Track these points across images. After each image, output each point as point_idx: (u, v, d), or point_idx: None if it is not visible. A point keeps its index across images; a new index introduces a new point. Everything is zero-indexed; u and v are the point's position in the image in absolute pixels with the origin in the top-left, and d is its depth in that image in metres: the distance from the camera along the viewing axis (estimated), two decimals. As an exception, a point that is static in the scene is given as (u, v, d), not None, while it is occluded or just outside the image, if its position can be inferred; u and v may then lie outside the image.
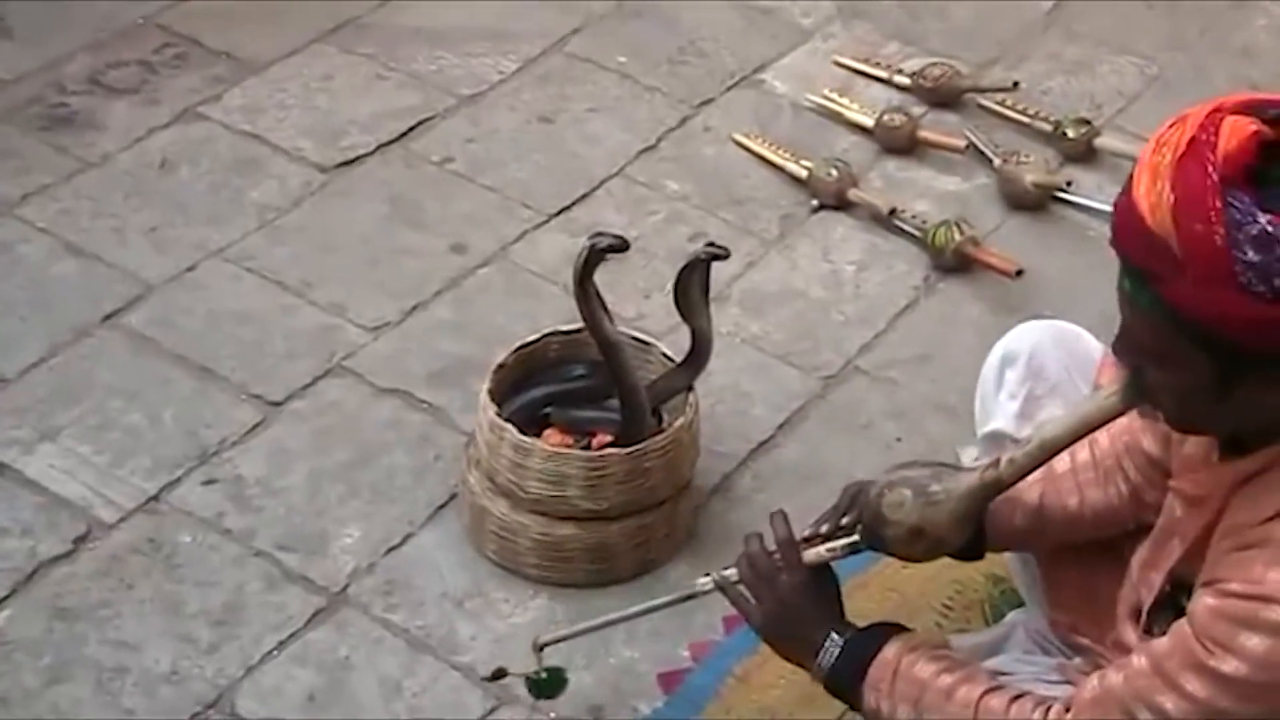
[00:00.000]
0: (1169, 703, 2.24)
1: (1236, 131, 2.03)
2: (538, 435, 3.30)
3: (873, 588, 3.29)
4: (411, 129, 4.33)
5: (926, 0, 4.94)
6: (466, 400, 3.41)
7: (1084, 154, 4.40)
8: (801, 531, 2.68)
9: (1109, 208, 3.97)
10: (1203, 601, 2.23)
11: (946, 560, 2.96)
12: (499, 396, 3.30)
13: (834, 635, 2.53)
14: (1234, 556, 2.25)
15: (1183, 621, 2.27)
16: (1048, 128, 4.43)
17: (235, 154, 4.20)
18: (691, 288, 3.28)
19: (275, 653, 3.13)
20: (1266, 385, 2.12)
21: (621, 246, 3.17)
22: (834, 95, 4.52)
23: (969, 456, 3.22)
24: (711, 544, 3.40)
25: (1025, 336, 3.06)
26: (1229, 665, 2.18)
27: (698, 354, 3.32)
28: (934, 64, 4.61)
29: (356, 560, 3.30)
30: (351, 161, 4.22)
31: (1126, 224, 2.11)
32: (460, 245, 3.98)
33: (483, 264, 3.95)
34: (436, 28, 4.66)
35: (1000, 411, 3.01)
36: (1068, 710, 2.37)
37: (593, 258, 3.17)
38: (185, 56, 4.47)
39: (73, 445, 3.47)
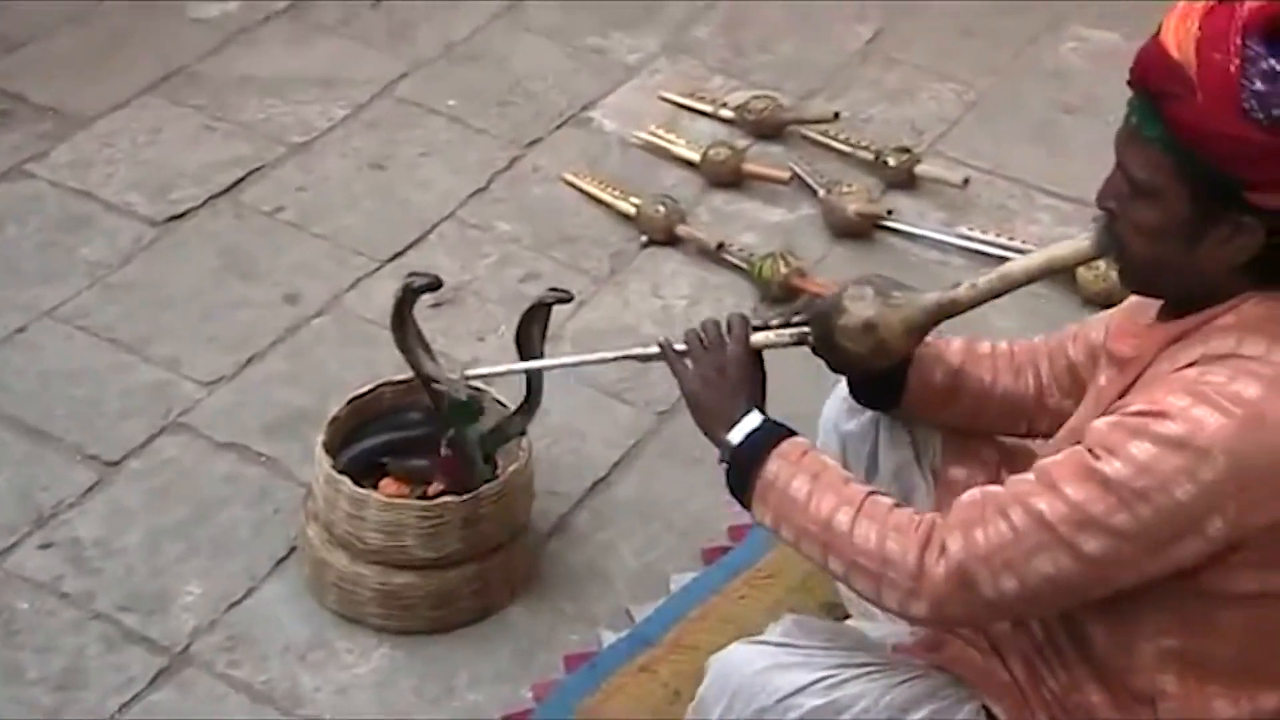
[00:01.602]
0: (1043, 502, 2.32)
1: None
2: (375, 485, 3.30)
3: (710, 619, 3.33)
4: (241, 179, 4.32)
5: (749, 34, 4.96)
6: (304, 451, 3.41)
7: (905, 181, 4.45)
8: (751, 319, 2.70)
9: (930, 234, 4.07)
10: (1100, 422, 2.36)
11: (787, 589, 3.04)
12: (334, 448, 3.30)
13: (753, 411, 2.57)
14: (1140, 393, 2.38)
15: (1092, 429, 2.37)
16: (869, 156, 4.48)
17: (64, 211, 4.17)
18: (532, 330, 3.28)
19: (118, 716, 3.11)
20: (1231, 233, 2.31)
21: (435, 285, 3.21)
22: (660, 131, 4.54)
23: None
24: (551, 584, 3.42)
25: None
26: (1111, 467, 2.29)
27: (531, 399, 3.32)
28: (757, 97, 4.63)
29: (198, 618, 3.28)
30: (182, 215, 4.20)
31: (1149, 57, 2.30)
32: (293, 295, 3.98)
33: (317, 314, 3.94)
34: (265, 76, 4.66)
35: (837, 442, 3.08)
36: (934, 525, 2.43)
37: (406, 297, 3.19)
38: (10, 113, 4.44)
39: (-97, 512, 3.44)
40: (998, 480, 2.65)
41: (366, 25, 4.87)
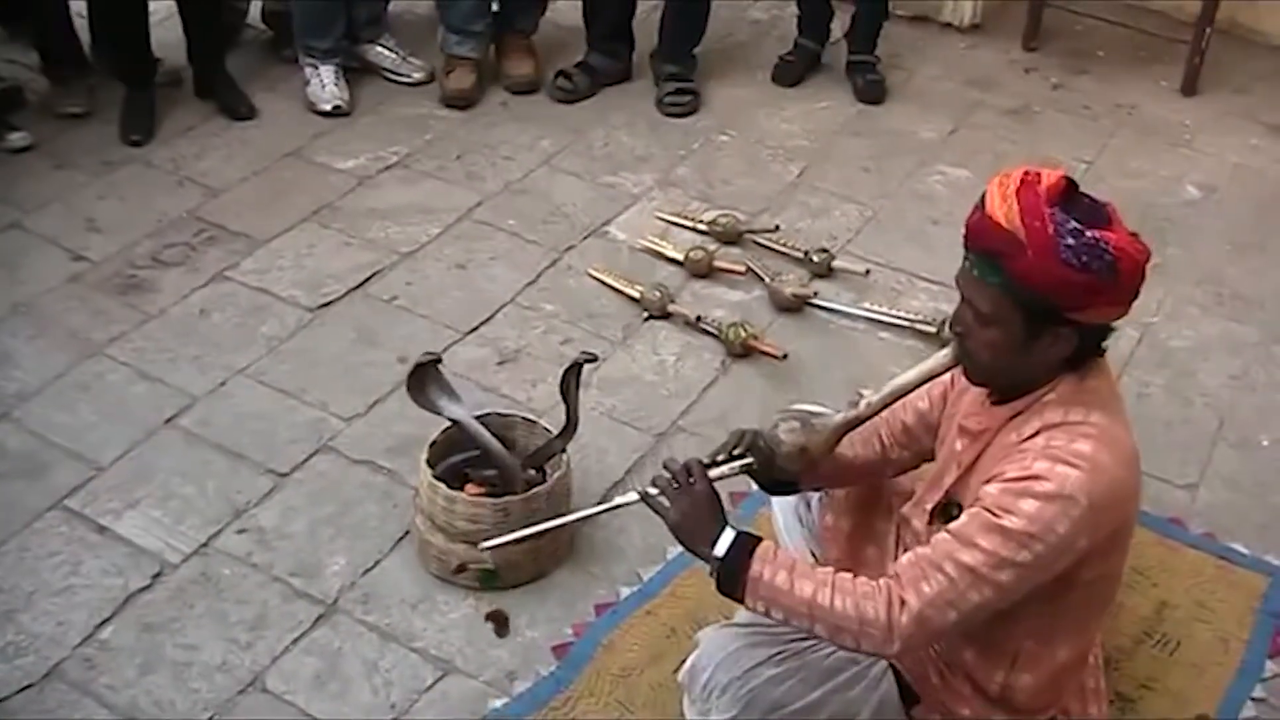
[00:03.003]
0: (966, 555, 2.36)
1: (1050, 177, 2.36)
2: (462, 488, 3.34)
3: (696, 577, 3.31)
4: (369, 278, 4.34)
5: (716, 173, 4.99)
6: (413, 465, 3.44)
7: (825, 272, 4.45)
8: (702, 460, 2.65)
9: (844, 309, 4.12)
10: (988, 488, 2.41)
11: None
12: (434, 462, 3.36)
13: (727, 529, 2.51)
14: (1006, 462, 2.43)
15: (968, 509, 2.43)
16: (800, 255, 4.48)
17: (250, 302, 4.21)
18: (570, 380, 3.34)
19: (291, 647, 3.18)
20: (1053, 340, 2.39)
21: (437, 361, 3.33)
22: (656, 239, 4.56)
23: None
24: (584, 555, 3.46)
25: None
26: (1010, 521, 2.35)
27: (570, 426, 3.37)
28: (723, 214, 4.65)
29: (343, 580, 3.34)
30: (329, 303, 4.23)
31: (983, 228, 2.37)
32: (404, 357, 3.97)
33: None
34: (384, 207, 4.68)
35: None
36: (893, 577, 2.44)
37: (417, 371, 3.32)
38: (215, 238, 4.48)
39: (148, 510, 3.50)
40: (861, 521, 2.89)
41: (452, 171, 4.89)
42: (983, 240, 2.38)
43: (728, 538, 2.51)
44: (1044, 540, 2.35)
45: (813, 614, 2.43)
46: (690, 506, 2.55)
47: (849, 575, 2.47)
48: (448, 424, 3.41)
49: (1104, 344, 2.50)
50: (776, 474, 2.73)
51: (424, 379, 3.32)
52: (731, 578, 2.49)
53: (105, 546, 3.38)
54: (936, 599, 2.39)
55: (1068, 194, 2.37)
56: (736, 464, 2.68)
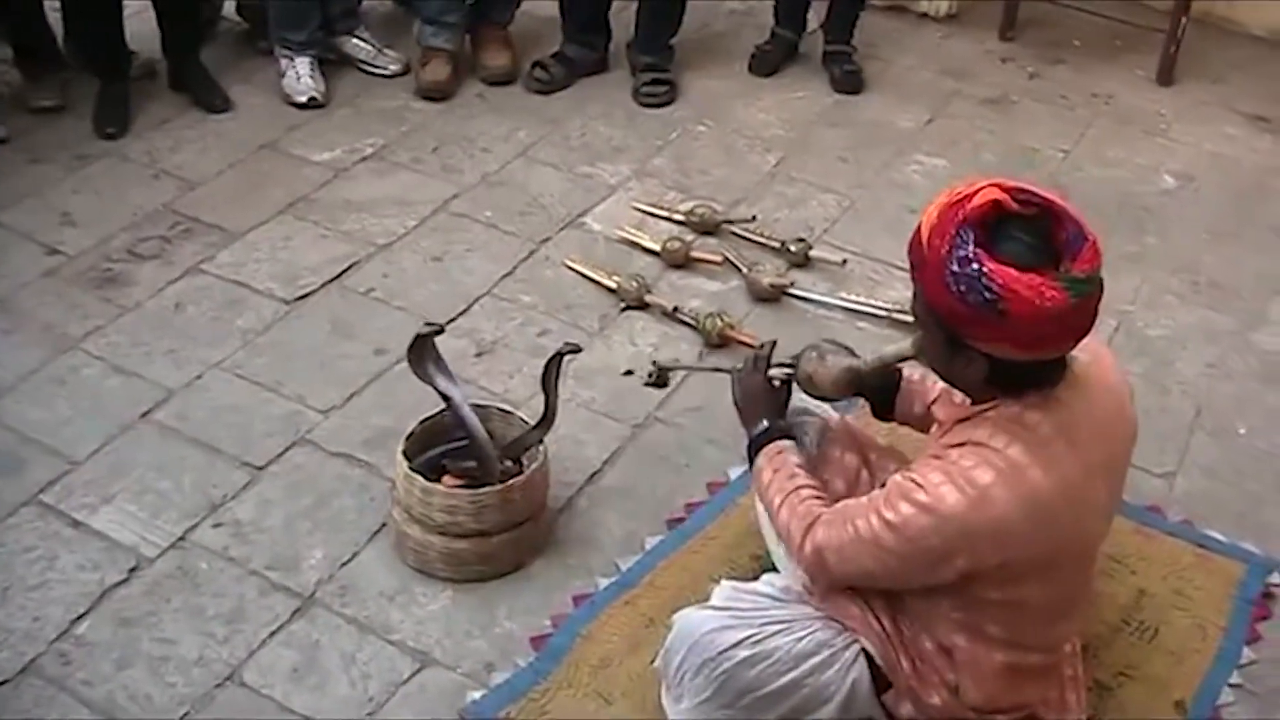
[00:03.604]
0: (861, 521, 2.51)
1: (982, 196, 2.31)
2: (439, 480, 3.33)
3: (673, 568, 3.36)
4: (345, 270, 4.32)
5: (693, 163, 4.98)
6: (390, 457, 3.41)
7: (802, 262, 4.45)
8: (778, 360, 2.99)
9: (821, 298, 4.12)
10: (895, 476, 2.50)
11: (726, 546, 3.32)
12: (410, 454, 3.34)
13: (764, 420, 2.89)
14: (924, 454, 2.50)
15: (887, 482, 2.51)
16: (777, 245, 4.48)
17: (226, 296, 4.19)
18: (551, 371, 3.33)
19: (268, 640, 3.16)
20: (966, 362, 2.40)
21: (438, 331, 3.31)
22: (633, 230, 4.55)
23: (736, 473, 3.33)
24: (562, 546, 3.44)
25: None
26: (889, 514, 2.46)
27: (548, 417, 3.36)
28: (700, 205, 4.64)
29: (320, 573, 3.32)
30: (305, 296, 4.21)
31: (912, 237, 2.40)
32: (382, 349, 3.99)
33: (397, 361, 3.89)
34: (360, 199, 4.67)
35: None
36: (830, 511, 2.63)
37: (418, 341, 3.29)
38: (190, 231, 4.45)
39: (124, 505, 3.48)
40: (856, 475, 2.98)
41: (429, 163, 4.88)
42: (909, 246, 2.42)
43: (761, 427, 2.87)
44: (913, 543, 2.42)
45: (771, 513, 2.73)
46: (744, 391, 2.96)
47: (809, 494, 2.68)
48: (424, 418, 3.40)
49: (1050, 378, 2.46)
50: (810, 394, 2.99)
51: (424, 351, 3.30)
52: (750, 456, 2.86)
53: (81, 541, 3.36)
54: (831, 543, 2.55)
55: (996, 218, 2.32)
56: (783, 371, 2.98)
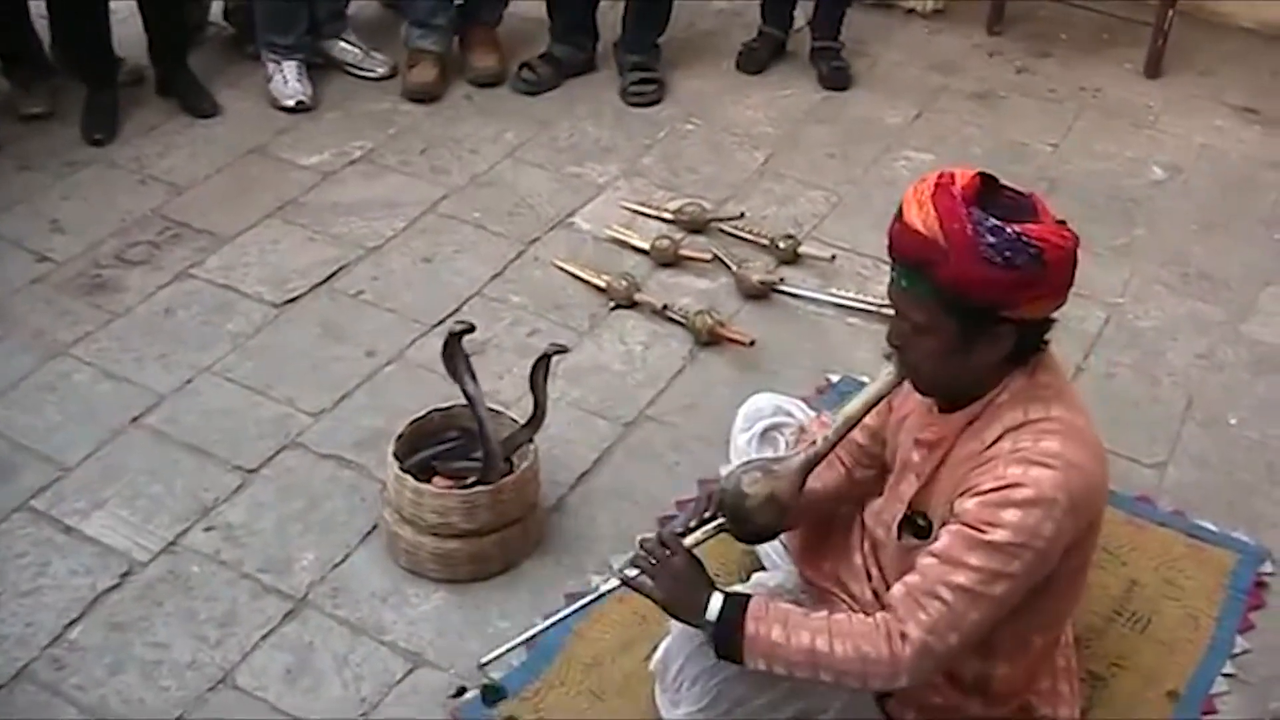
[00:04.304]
0: (959, 577, 2.35)
1: (964, 177, 2.31)
2: (429, 480, 3.33)
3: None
4: (334, 273, 4.32)
5: (681, 161, 4.99)
6: (381, 459, 3.42)
7: (791, 258, 4.45)
8: (675, 529, 2.70)
9: (810, 294, 4.11)
10: (965, 503, 2.38)
11: (716, 542, 3.00)
12: (401, 455, 3.34)
13: (715, 594, 2.52)
14: (975, 472, 2.40)
15: (948, 527, 2.39)
16: (766, 242, 4.48)
17: (216, 299, 4.19)
18: (539, 372, 3.33)
19: (261, 643, 3.16)
20: (991, 340, 2.35)
21: (470, 329, 3.28)
22: (622, 229, 4.55)
23: (725, 471, 3.30)
24: (554, 545, 3.44)
25: (755, 401, 3.18)
26: (997, 534, 2.32)
27: (538, 417, 3.36)
28: (688, 203, 4.64)
29: (312, 575, 3.33)
30: (294, 299, 4.21)
31: (904, 238, 2.34)
32: (372, 351, 4.00)
33: (388, 363, 3.97)
34: (348, 202, 4.67)
35: (739, 453, 3.11)
36: (884, 608, 2.45)
37: (450, 339, 3.27)
38: (179, 236, 4.45)
39: (115, 510, 3.47)
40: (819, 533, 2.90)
41: (417, 165, 4.88)
42: (905, 251, 2.36)
43: (717, 602, 2.50)
44: (1032, 546, 2.35)
45: (815, 662, 2.43)
46: (674, 580, 2.55)
47: (844, 617, 2.48)
48: (414, 418, 3.41)
49: (1046, 337, 2.49)
50: (752, 529, 2.69)
51: (455, 349, 3.29)
52: (728, 640, 2.49)
53: (73, 547, 3.36)
54: (937, 625, 2.38)
55: (985, 191, 2.34)
56: (710, 527, 2.68)
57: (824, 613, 2.49)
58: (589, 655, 3.14)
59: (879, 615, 2.43)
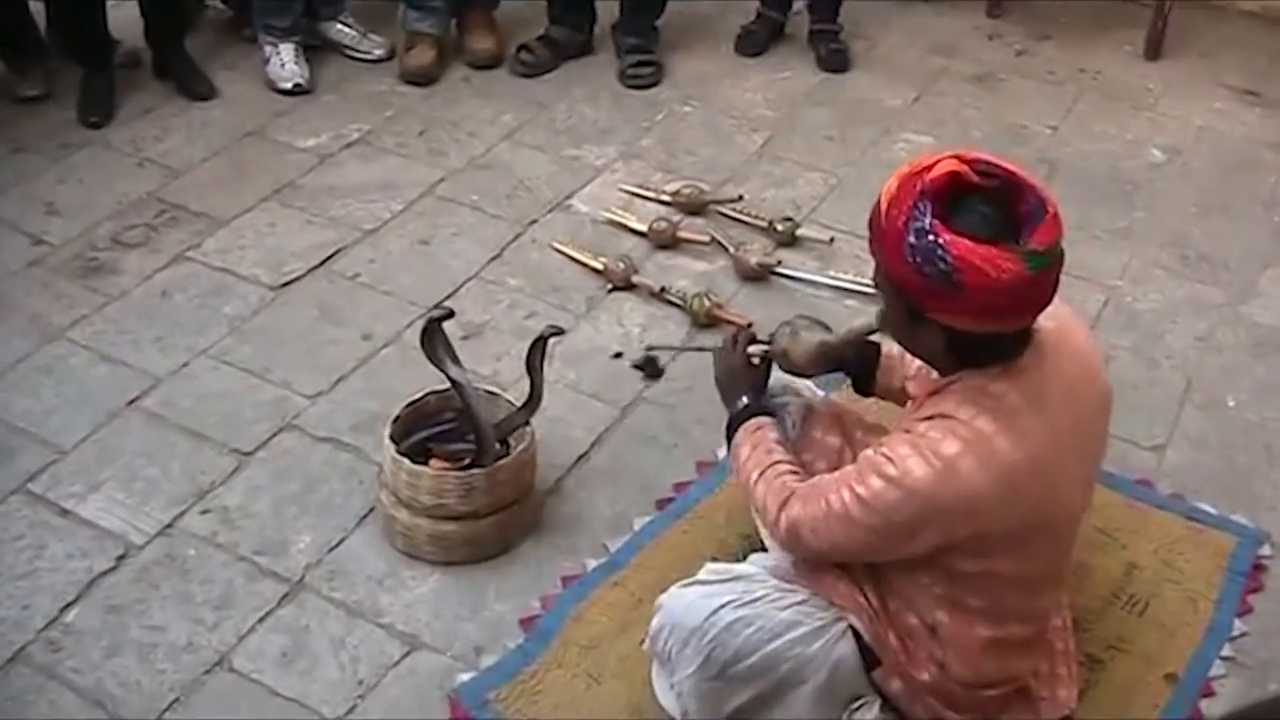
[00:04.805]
0: (834, 495, 2.51)
1: (941, 168, 2.29)
2: (426, 462, 3.33)
3: (661, 548, 3.36)
4: (331, 255, 4.31)
5: (679, 144, 4.98)
6: (377, 441, 3.42)
7: (789, 241, 4.44)
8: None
9: (808, 277, 4.11)
10: (868, 450, 2.50)
11: (715, 525, 3.28)
12: (397, 438, 3.34)
13: (743, 397, 2.92)
14: (896, 428, 2.51)
15: (860, 456, 2.52)
16: (764, 224, 4.47)
17: (212, 282, 4.18)
18: (536, 354, 3.33)
19: (257, 626, 3.16)
20: (926, 333, 2.39)
21: (448, 316, 3.28)
22: (619, 211, 4.54)
23: (724, 453, 3.31)
24: (551, 528, 3.44)
25: None
26: (861, 489, 2.45)
27: (534, 399, 3.36)
28: (686, 186, 4.64)
29: (309, 558, 3.32)
30: (291, 282, 4.20)
31: (874, 205, 2.38)
32: (368, 334, 4.00)
33: (384, 346, 3.96)
34: (345, 185, 4.66)
35: None
36: (806, 485, 2.63)
37: (429, 326, 3.26)
38: (176, 219, 4.44)
39: (111, 493, 3.47)
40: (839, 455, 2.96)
41: (414, 147, 4.87)
42: (869, 218, 2.40)
43: (740, 404, 2.89)
44: (884, 517, 2.42)
45: (746, 487, 2.75)
46: (724, 370, 2.97)
47: (785, 469, 2.70)
48: (410, 400, 3.40)
49: (1010, 349, 2.45)
50: (787, 370, 2.97)
51: (434, 335, 3.28)
52: (728, 434, 2.86)
53: (69, 529, 3.35)
54: (807, 518, 2.55)
55: (952, 191, 2.31)
56: (761, 347, 2.98)
57: (777, 459, 2.74)
58: (586, 638, 3.13)
59: (794, 482, 2.65)
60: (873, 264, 2.45)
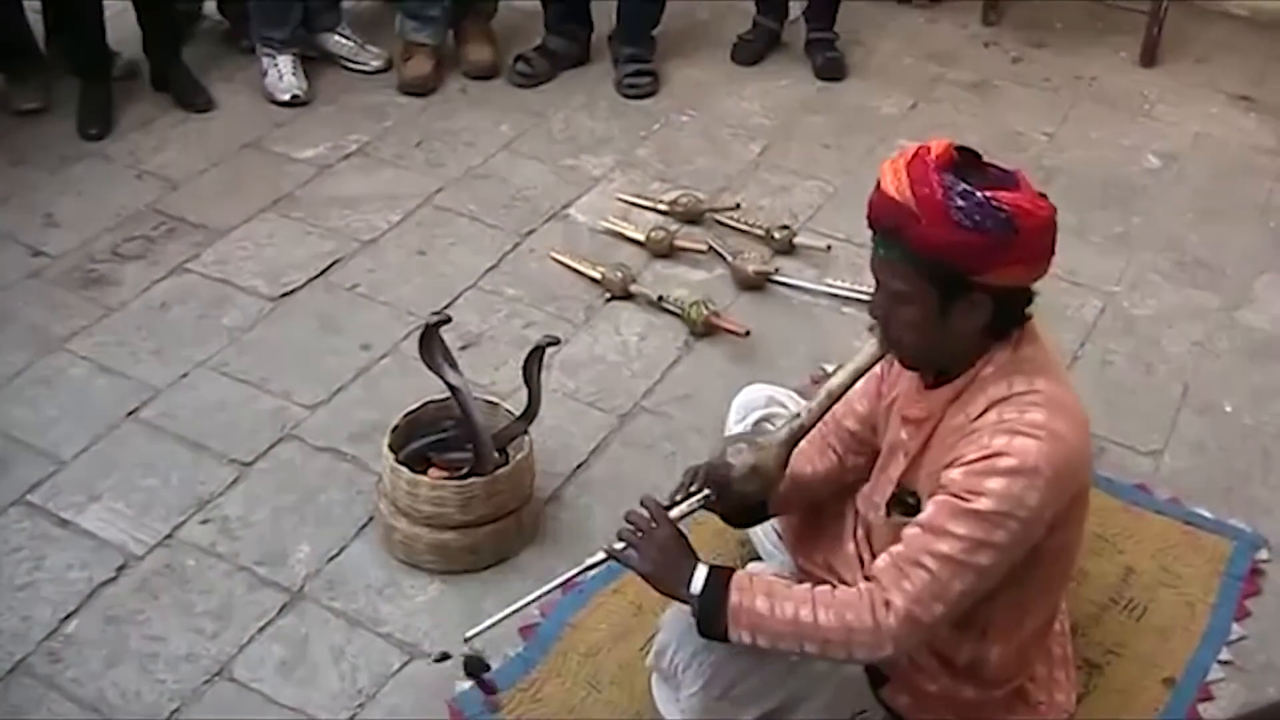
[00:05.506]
0: (944, 545, 2.35)
1: (938, 146, 2.33)
2: (425, 472, 3.33)
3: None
4: (330, 266, 4.32)
5: (676, 153, 4.99)
6: (376, 451, 3.42)
7: (787, 249, 4.45)
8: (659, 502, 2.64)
9: (806, 285, 4.10)
10: (950, 473, 2.38)
11: (714, 531, 3.08)
12: (396, 447, 3.34)
13: (699, 565, 2.49)
14: (961, 443, 2.40)
15: (934, 498, 2.39)
16: (761, 232, 4.48)
17: (211, 294, 4.18)
18: (533, 364, 3.33)
19: (257, 635, 3.16)
20: (969, 307, 2.36)
21: (445, 321, 3.28)
22: (617, 220, 4.55)
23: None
24: (550, 536, 3.45)
25: (749, 392, 3.17)
26: (980, 503, 2.32)
27: (532, 408, 3.36)
28: (684, 194, 4.64)
29: (308, 568, 3.33)
30: (290, 292, 4.20)
31: (879, 206, 2.36)
32: (367, 344, 4.00)
33: (383, 356, 3.96)
34: (344, 195, 4.66)
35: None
36: (868, 579, 2.43)
37: (427, 331, 3.26)
38: (174, 230, 4.45)
39: (111, 503, 3.47)
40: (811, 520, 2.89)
41: (412, 158, 4.88)
42: (880, 217, 2.38)
43: (701, 573, 2.48)
44: (1016, 516, 2.34)
45: (799, 633, 2.42)
46: (658, 552, 2.53)
47: (828, 588, 2.46)
48: (409, 410, 3.41)
49: (1027, 310, 2.48)
50: (737, 501, 2.68)
51: (431, 340, 3.29)
52: (712, 612, 2.47)
53: (68, 540, 3.36)
54: (921, 594, 2.37)
55: (958, 160, 2.35)
56: (695, 499, 2.64)
57: (808, 585, 2.48)
58: (585, 646, 3.14)
59: (863, 585, 2.42)
60: (872, 269, 2.44)
